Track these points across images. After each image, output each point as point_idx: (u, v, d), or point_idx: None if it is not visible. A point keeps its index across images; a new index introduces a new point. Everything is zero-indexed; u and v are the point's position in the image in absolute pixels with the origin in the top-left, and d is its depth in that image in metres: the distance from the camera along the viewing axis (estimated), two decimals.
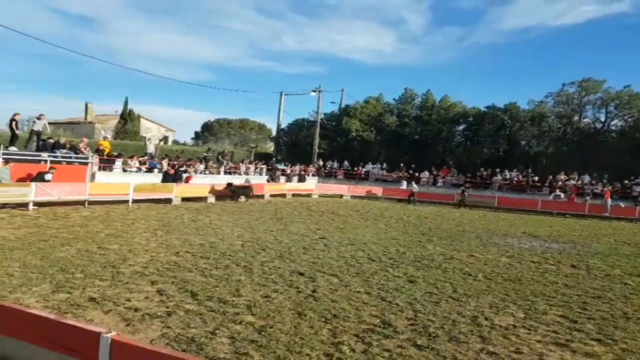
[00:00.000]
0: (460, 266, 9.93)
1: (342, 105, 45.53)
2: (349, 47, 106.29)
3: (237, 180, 25.65)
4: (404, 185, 31.49)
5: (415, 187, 30.06)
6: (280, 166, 33.84)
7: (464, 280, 8.63)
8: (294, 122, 48.23)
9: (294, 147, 44.99)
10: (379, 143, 41.19)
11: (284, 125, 47.18)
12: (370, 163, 36.59)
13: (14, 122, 18.52)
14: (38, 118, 19.16)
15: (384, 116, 41.99)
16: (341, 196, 29.98)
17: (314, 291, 7.17)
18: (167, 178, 21.95)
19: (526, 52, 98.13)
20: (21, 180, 16.18)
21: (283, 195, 27.14)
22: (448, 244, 13.03)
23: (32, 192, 15.04)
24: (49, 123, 21.62)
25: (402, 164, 34.87)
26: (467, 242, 13.65)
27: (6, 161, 16.23)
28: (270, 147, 57.08)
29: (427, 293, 7.49)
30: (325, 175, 35.82)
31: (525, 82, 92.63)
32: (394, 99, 44.67)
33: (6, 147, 17.76)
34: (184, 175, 23.12)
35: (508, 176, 31.88)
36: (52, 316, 3.16)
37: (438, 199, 29.62)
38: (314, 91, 41.78)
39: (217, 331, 5.27)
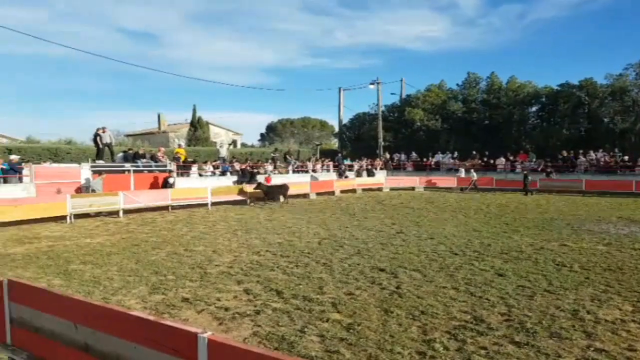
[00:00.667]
0: (552, 257, 9.35)
1: (403, 96, 44.55)
2: (403, 36, 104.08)
3: (277, 179, 24.53)
4: (462, 173, 30.21)
5: (474, 174, 28.93)
6: (347, 162, 33.64)
7: (558, 271, 8.12)
8: (355, 116, 47.81)
9: (358, 142, 44.63)
10: (446, 131, 39.71)
11: (345, 120, 47.08)
12: (439, 153, 35.49)
13: (98, 137, 19.77)
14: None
15: (449, 103, 40.38)
16: (413, 188, 29.22)
17: (397, 287, 7.06)
18: (243, 180, 22.78)
19: (594, 23, 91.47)
20: (153, 186, 18.60)
21: (353, 191, 27.03)
22: (536, 234, 12.31)
23: (122, 200, 16.05)
24: (127, 135, 22.96)
25: (474, 152, 33.55)
26: (557, 231, 12.82)
27: (99, 173, 17.40)
28: (334, 143, 57.14)
29: (519, 287, 7.11)
30: (394, 168, 35.17)
31: (598, 56, 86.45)
32: (457, 84, 42.89)
33: (94, 160, 19.06)
34: (259, 177, 23.81)
35: (593, 157, 29.59)
36: (152, 317, 3.28)
37: (518, 186, 27.57)
38: (373, 84, 41.16)
39: (306, 329, 5.32)
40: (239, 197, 20.45)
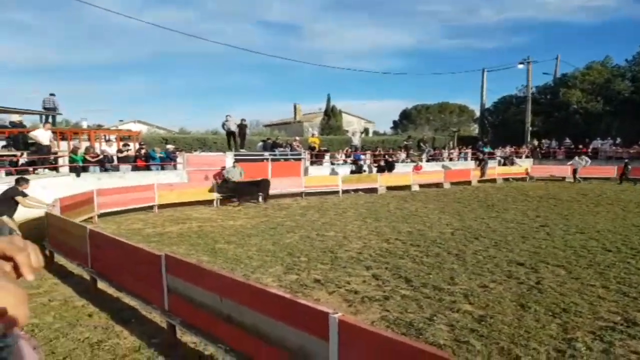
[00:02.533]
0: None
1: (558, 75, 39.81)
2: (561, 8, 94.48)
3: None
4: (582, 162, 26.02)
5: (582, 161, 25.45)
6: (487, 149, 31.42)
7: None
8: (499, 100, 44.26)
9: (501, 128, 41.26)
10: (608, 114, 34.49)
11: (487, 104, 43.58)
12: (598, 139, 31.21)
13: (224, 125, 21.17)
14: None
15: (614, 82, 35.08)
16: (563, 178, 26.29)
17: (537, 283, 6.61)
18: (380, 168, 22.94)
19: None
20: (288, 174, 19.45)
21: (493, 181, 25.49)
22: None
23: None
24: (265, 125, 24.26)
25: None
26: None
27: (235, 162, 18.85)
28: (473, 129, 54.27)
29: None
30: (542, 155, 31.69)
31: None
32: (626, 60, 37.25)
33: (237, 149, 20.64)
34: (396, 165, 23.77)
35: None
36: (288, 296, 3.49)
37: None
38: (522, 63, 37.37)
39: (435, 317, 5.26)
40: (370, 186, 20.61)
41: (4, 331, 0.43)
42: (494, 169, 26.55)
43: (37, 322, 5.31)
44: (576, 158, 26.45)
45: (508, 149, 31.74)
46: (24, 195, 8.86)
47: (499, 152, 31.01)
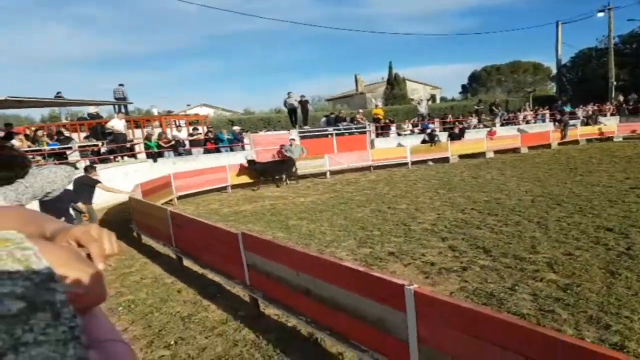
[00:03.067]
0: None
1: None
2: None
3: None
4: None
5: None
6: (567, 108, 29.32)
7: None
8: (578, 54, 41.17)
9: (581, 84, 38.38)
10: None
11: (564, 60, 40.40)
12: None
13: (285, 103, 21.34)
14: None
15: None
16: None
17: (628, 249, 6.20)
18: (453, 137, 22.10)
19: None
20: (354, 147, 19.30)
21: (575, 142, 23.78)
22: None
23: (327, 163, 17.37)
24: (327, 100, 24.08)
25: None
26: None
27: (293, 140, 19.02)
28: (550, 88, 50.91)
29: None
30: (630, 112, 29.02)
31: None
32: None
33: (300, 127, 20.80)
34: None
35: None
36: (362, 269, 3.52)
37: None
38: (602, 11, 33.82)
39: (517, 287, 5.10)
40: (440, 155, 20.06)
41: (77, 312, 0.47)
42: (576, 129, 24.83)
43: (133, 298, 5.76)
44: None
45: (590, 107, 29.55)
46: (97, 182, 9.36)
47: (580, 111, 28.99)
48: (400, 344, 3.04)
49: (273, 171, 16.37)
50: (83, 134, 18.75)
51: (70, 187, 7.88)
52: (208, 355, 4.14)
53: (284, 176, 16.54)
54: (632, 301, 4.52)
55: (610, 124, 26.35)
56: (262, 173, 16.01)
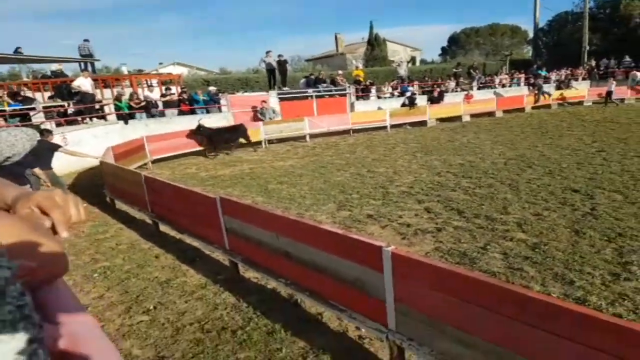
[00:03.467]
0: None
1: None
2: None
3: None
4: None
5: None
6: (542, 73, 29.51)
7: None
8: (554, 17, 41.00)
9: (556, 48, 38.47)
10: None
11: (542, 24, 40.67)
12: None
13: (262, 62, 20.60)
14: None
15: None
16: (622, 100, 24.40)
17: (592, 209, 6.47)
18: (432, 100, 22.22)
19: None
20: (334, 110, 19.34)
21: (547, 107, 24.20)
22: None
23: (307, 126, 17.26)
24: (307, 60, 23.61)
25: None
26: None
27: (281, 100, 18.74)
28: (527, 52, 51.04)
29: None
30: (600, 77, 29.40)
31: None
32: None
33: (279, 88, 20.37)
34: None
35: None
36: (341, 231, 3.59)
37: None
38: None
39: (488, 247, 5.29)
40: (419, 119, 20.14)
41: (35, 285, 0.45)
42: (549, 95, 25.14)
43: (109, 265, 5.74)
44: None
45: (563, 72, 29.89)
46: (58, 146, 8.98)
47: (554, 75, 29.29)
48: (378, 303, 3.15)
49: (222, 139, 15.04)
50: (47, 94, 17.99)
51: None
52: (188, 319, 4.21)
53: (238, 143, 15.49)
54: (594, 258, 4.75)
55: (582, 89, 26.75)
56: (210, 140, 14.83)
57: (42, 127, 11.63)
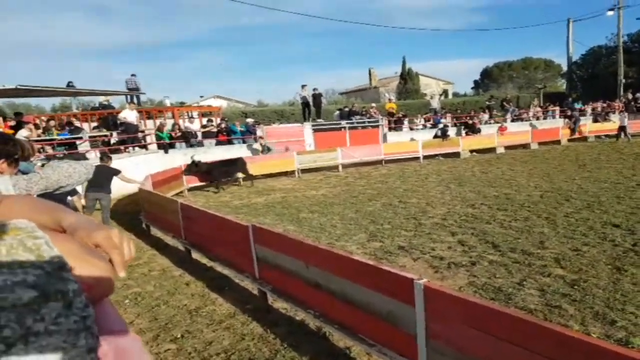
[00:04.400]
0: None
1: None
2: None
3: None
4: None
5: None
6: (577, 105, 29.08)
7: None
8: (588, 51, 40.81)
9: (591, 81, 37.92)
10: None
11: (575, 57, 40.04)
12: None
13: (298, 95, 21.22)
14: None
15: None
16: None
17: (634, 245, 6.19)
18: (470, 129, 22.19)
19: None
20: (367, 141, 19.46)
21: (584, 139, 23.64)
22: None
23: (340, 156, 17.39)
24: (341, 93, 24.08)
25: None
26: None
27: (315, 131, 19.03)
28: (561, 85, 50.38)
29: None
30: (638, 110, 28.55)
31: None
32: None
33: (313, 120, 20.73)
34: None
35: None
36: (372, 262, 3.55)
37: None
38: (612, 9, 33.30)
39: (524, 282, 5.11)
40: (452, 150, 19.97)
41: (89, 302, 0.48)
42: (585, 126, 24.62)
43: (140, 291, 5.80)
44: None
45: (600, 104, 29.31)
46: (118, 172, 9.31)
47: (589, 109, 28.76)
48: (409, 338, 3.07)
49: (221, 172, 14.34)
50: (94, 124, 18.87)
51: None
52: (215, 349, 4.18)
53: (237, 177, 14.96)
54: (637, 297, 4.52)
55: (618, 122, 25.99)
56: (209, 175, 14.12)
57: (94, 154, 12.11)
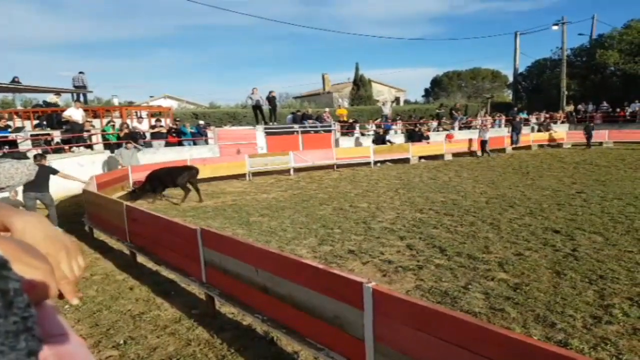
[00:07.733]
0: None
1: (594, 36, 37.93)
2: None
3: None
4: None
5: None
6: (522, 115, 30.26)
7: None
8: (533, 64, 42.55)
9: (535, 93, 39.67)
10: None
11: (521, 69, 41.98)
12: (637, 101, 29.41)
13: (249, 99, 20.96)
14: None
15: None
16: (600, 144, 25.13)
17: (574, 250, 6.48)
18: (413, 138, 22.49)
19: None
20: (319, 145, 19.44)
21: (527, 147, 24.70)
22: None
23: (292, 160, 17.34)
24: (295, 97, 24.20)
25: None
26: None
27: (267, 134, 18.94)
28: (507, 95, 52.52)
29: None
30: (578, 121, 30.40)
31: None
32: None
33: (266, 122, 20.61)
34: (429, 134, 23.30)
35: None
36: (322, 266, 3.52)
37: None
38: (556, 24, 35.54)
39: (470, 286, 5.24)
40: (402, 156, 20.35)
41: (31, 302, 0.44)
42: (529, 135, 25.81)
43: (80, 296, 5.53)
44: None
45: (543, 115, 30.77)
46: (55, 171, 9.04)
47: (533, 118, 30.13)
48: (357, 342, 3.06)
49: (164, 182, 12.25)
50: (35, 122, 18.03)
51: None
52: (159, 355, 4.04)
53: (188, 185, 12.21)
54: (576, 300, 4.72)
55: (560, 131, 27.52)
56: (149, 182, 12.17)
57: (35, 153, 11.59)
